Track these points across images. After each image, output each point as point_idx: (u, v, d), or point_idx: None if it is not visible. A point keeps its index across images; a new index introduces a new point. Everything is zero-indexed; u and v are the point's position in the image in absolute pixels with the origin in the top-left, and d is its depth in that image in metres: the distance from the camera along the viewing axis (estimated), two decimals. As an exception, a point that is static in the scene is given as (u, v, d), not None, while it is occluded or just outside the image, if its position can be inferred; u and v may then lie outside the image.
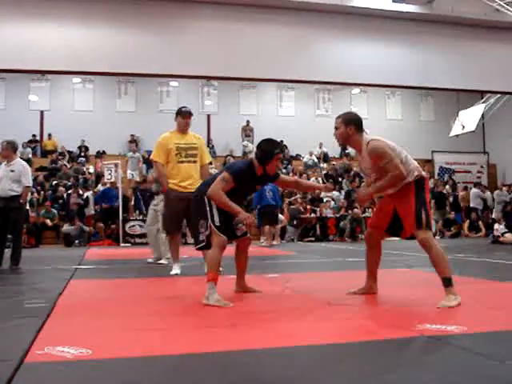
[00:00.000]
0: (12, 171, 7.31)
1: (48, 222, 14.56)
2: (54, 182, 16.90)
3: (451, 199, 17.77)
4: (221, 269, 6.34)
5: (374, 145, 3.96)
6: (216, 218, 4.17)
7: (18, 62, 11.59)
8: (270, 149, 4.23)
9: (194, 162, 6.22)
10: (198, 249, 4.39)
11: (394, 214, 4.12)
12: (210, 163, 7.78)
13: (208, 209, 4.20)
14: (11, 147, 7.48)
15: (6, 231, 7.45)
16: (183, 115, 6.26)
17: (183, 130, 6.30)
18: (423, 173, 4.14)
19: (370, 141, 3.99)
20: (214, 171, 9.30)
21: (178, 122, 6.31)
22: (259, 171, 4.26)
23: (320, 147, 20.71)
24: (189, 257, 7.79)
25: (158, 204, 7.90)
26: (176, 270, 6.25)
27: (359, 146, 4.08)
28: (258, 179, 4.35)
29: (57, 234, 14.79)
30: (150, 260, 8.04)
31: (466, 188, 19.38)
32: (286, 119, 20.79)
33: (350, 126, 4.07)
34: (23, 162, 7.77)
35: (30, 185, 7.69)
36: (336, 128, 4.15)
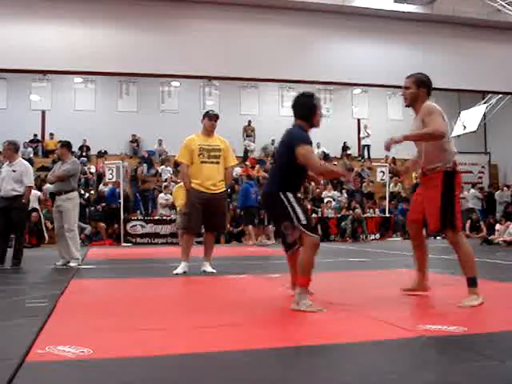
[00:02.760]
0: (14, 171, 7.33)
1: (49, 224, 14.50)
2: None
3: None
4: (214, 271, 6.38)
5: (429, 103, 4.04)
6: (301, 216, 3.76)
7: (20, 61, 11.62)
8: (310, 100, 3.96)
9: (217, 163, 6.31)
10: (291, 253, 4.07)
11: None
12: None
13: (289, 208, 3.78)
14: (13, 147, 7.49)
15: (8, 231, 7.46)
16: (210, 117, 6.40)
17: (209, 132, 6.42)
18: (457, 167, 4.04)
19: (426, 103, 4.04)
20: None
21: (204, 124, 6.44)
22: (308, 130, 3.97)
23: (318, 147, 20.67)
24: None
25: (60, 205, 7.49)
26: (180, 269, 6.26)
27: (419, 105, 4.06)
28: None
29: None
30: (58, 263, 7.48)
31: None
32: (288, 119, 20.48)
33: (422, 87, 4.07)
34: (25, 162, 7.79)
35: (32, 184, 7.70)
36: (406, 87, 4.09)
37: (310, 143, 3.86)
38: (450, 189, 3.91)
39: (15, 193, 7.27)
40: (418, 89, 4.06)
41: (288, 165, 3.84)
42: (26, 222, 8.16)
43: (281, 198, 3.77)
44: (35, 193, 13.87)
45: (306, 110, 3.92)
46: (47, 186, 13.84)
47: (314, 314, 3.56)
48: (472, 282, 3.83)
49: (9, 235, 7.60)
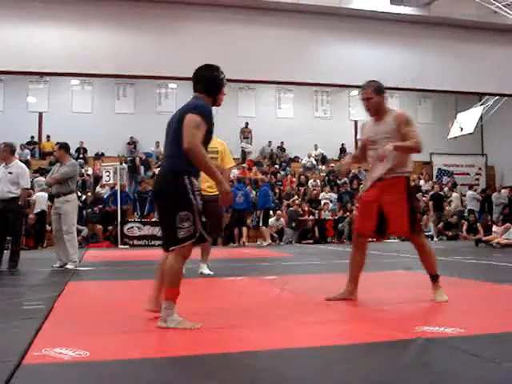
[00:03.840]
0: (10, 173, 7.30)
1: (48, 227, 14.48)
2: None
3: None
4: (211, 273, 6.42)
5: (403, 112, 4.16)
6: (200, 207, 3.22)
7: (17, 63, 11.60)
8: (219, 74, 3.44)
9: None
10: (169, 249, 3.26)
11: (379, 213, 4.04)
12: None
13: (192, 198, 3.17)
14: (9, 149, 7.47)
15: (4, 233, 7.43)
16: None
17: None
18: None
19: (396, 110, 4.17)
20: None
21: None
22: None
23: (316, 149, 20.70)
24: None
25: (59, 207, 7.45)
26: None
27: (384, 112, 4.10)
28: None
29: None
30: (55, 265, 7.44)
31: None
32: (285, 121, 20.77)
33: (382, 93, 4.10)
34: (21, 163, 7.76)
35: (29, 186, 7.68)
36: (368, 99, 4.09)
37: (209, 121, 3.24)
38: (412, 194, 4.11)
39: (11, 195, 7.24)
40: (379, 96, 4.07)
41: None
42: (22, 224, 8.13)
43: (184, 183, 3.16)
44: (43, 195, 13.89)
45: (214, 84, 3.39)
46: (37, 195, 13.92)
47: (312, 316, 3.56)
48: (436, 278, 4.08)
49: (5, 237, 7.57)
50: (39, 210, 13.69)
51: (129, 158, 18.30)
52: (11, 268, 7.17)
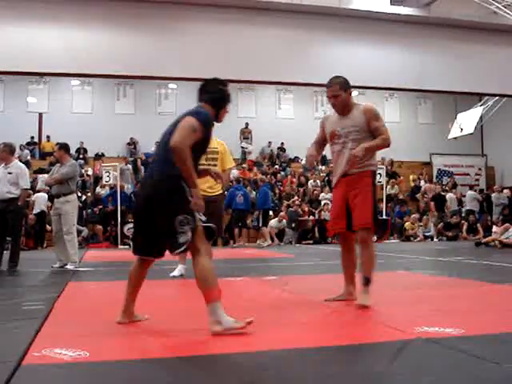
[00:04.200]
0: (10, 173, 7.30)
1: (48, 227, 14.49)
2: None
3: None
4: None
5: (372, 105, 4.05)
6: (202, 215, 3.18)
7: (17, 64, 11.59)
8: (226, 90, 3.44)
9: (214, 165, 6.30)
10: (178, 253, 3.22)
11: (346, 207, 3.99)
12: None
13: (189, 196, 3.09)
14: (9, 150, 7.47)
15: (4, 233, 7.43)
16: None
17: None
18: None
19: (362, 104, 4.05)
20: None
21: None
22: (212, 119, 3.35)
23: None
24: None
25: (59, 208, 7.45)
26: (177, 271, 6.27)
27: (350, 106, 4.02)
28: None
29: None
30: (55, 265, 7.44)
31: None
32: (285, 122, 20.78)
33: (348, 89, 4.01)
34: (21, 164, 7.76)
35: (28, 187, 7.67)
36: (335, 96, 3.98)
37: (207, 131, 3.22)
38: (375, 190, 4.03)
39: (11, 195, 7.23)
40: (346, 92, 3.99)
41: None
42: (22, 224, 8.14)
43: (182, 185, 3.06)
44: (43, 195, 13.91)
45: (221, 98, 3.38)
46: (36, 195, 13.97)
47: (312, 317, 3.56)
48: (368, 281, 3.89)
49: (5, 238, 7.57)
50: (39, 211, 13.70)
51: (131, 159, 18.34)
52: (11, 268, 7.17)
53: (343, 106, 4.00)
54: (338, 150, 4.05)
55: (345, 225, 4.01)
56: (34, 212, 13.66)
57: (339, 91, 3.96)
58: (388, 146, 3.97)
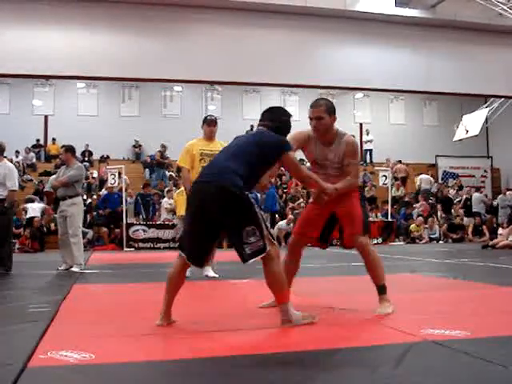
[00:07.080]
0: None
1: (52, 225, 14.56)
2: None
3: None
4: (216, 275, 6.45)
5: (354, 140, 3.90)
6: (267, 223, 3.42)
7: (23, 67, 11.63)
8: (289, 121, 3.67)
9: None
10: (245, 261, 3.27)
11: (329, 219, 3.87)
12: None
13: (259, 213, 3.28)
14: None
15: None
16: (208, 123, 6.45)
17: (209, 137, 6.45)
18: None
19: (345, 134, 3.85)
20: None
21: (204, 130, 6.48)
22: None
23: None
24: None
25: (65, 210, 7.40)
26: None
27: (333, 135, 3.81)
28: None
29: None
30: (61, 268, 7.44)
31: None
32: (289, 123, 20.79)
33: (333, 115, 3.78)
34: (10, 164, 7.42)
35: (15, 188, 7.26)
36: (319, 118, 3.74)
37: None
38: (362, 200, 4.00)
39: None
40: (330, 117, 3.76)
41: (256, 167, 3.37)
42: (11, 226, 7.74)
43: (248, 198, 3.21)
44: (38, 205, 14.08)
45: (285, 129, 3.62)
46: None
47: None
48: (382, 290, 3.74)
49: None
50: (32, 215, 13.78)
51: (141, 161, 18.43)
52: (3, 271, 6.92)
53: (325, 131, 3.78)
54: (322, 173, 3.87)
55: (318, 234, 3.91)
56: (28, 216, 13.76)
57: (324, 113, 3.74)
58: (356, 186, 3.93)
